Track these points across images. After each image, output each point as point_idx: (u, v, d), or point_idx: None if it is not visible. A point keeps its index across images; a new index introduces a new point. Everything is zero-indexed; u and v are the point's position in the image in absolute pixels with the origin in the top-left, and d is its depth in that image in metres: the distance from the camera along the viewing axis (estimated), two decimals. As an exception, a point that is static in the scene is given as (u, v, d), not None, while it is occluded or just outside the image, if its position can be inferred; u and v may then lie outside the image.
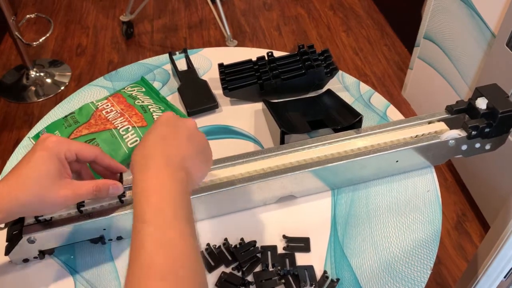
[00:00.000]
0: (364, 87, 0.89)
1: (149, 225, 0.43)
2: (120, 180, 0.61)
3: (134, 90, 0.82)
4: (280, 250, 0.63)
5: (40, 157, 0.53)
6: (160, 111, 0.77)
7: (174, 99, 0.86)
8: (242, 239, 0.64)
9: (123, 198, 0.61)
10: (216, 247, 0.63)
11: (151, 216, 0.44)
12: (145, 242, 0.42)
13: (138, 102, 0.78)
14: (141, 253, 0.41)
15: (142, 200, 0.45)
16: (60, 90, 2.03)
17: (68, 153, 0.55)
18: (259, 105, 0.85)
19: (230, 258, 0.62)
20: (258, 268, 0.61)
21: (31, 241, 0.58)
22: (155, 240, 0.42)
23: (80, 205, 0.59)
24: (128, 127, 0.73)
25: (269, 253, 0.62)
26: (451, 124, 0.70)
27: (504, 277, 0.77)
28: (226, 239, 0.64)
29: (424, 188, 0.70)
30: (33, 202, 0.52)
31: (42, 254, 0.61)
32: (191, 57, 0.93)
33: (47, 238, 0.59)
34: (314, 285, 0.59)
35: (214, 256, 0.62)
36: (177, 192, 0.47)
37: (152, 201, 0.45)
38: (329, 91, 0.85)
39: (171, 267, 0.40)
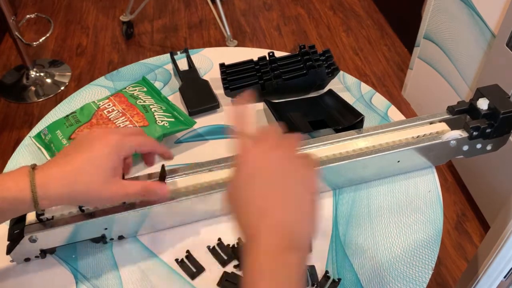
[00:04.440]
0: (365, 88, 0.89)
1: None
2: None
3: (136, 89, 0.82)
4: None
5: (101, 152, 0.52)
6: (162, 111, 0.77)
7: (176, 99, 0.86)
8: (239, 238, 0.64)
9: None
10: (211, 247, 0.63)
11: None
12: None
13: (140, 102, 0.78)
14: None
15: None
16: (60, 90, 2.03)
17: (129, 151, 0.56)
18: (260, 105, 0.85)
19: (225, 257, 0.62)
20: (259, 268, 0.61)
21: (33, 240, 0.58)
22: None
23: None
24: (130, 127, 0.73)
25: (270, 253, 0.62)
26: (453, 125, 0.70)
27: (504, 277, 0.77)
28: (219, 239, 0.64)
29: (425, 188, 0.71)
30: (82, 193, 0.52)
31: (44, 253, 0.61)
32: (192, 57, 0.93)
33: (48, 238, 0.59)
34: (315, 285, 0.59)
35: (217, 254, 0.62)
36: (288, 282, 0.40)
37: None
38: (330, 91, 0.85)
39: None
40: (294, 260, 0.41)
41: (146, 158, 0.63)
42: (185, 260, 0.62)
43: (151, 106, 0.78)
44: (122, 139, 0.55)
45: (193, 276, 0.61)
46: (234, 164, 0.46)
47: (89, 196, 0.52)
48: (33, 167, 0.52)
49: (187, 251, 0.63)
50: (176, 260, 0.62)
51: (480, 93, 0.69)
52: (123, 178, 0.57)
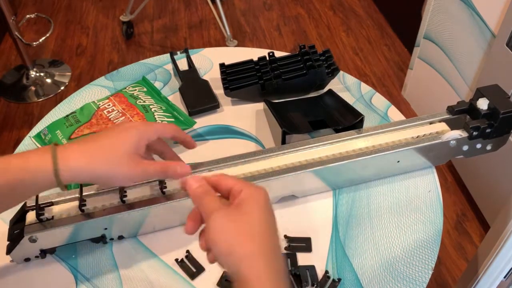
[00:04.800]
0: (365, 88, 0.89)
1: None
2: None
3: (136, 89, 0.82)
4: (281, 250, 0.63)
5: (126, 136, 0.54)
6: (162, 111, 0.77)
7: (175, 99, 0.86)
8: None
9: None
10: None
11: None
12: None
13: (140, 102, 0.78)
14: None
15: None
16: (60, 90, 2.03)
17: (153, 134, 0.57)
18: (260, 105, 0.85)
19: None
20: (259, 268, 0.61)
21: (33, 240, 0.58)
22: None
23: (81, 204, 0.60)
24: (130, 127, 0.73)
25: (270, 253, 0.62)
26: (452, 125, 0.70)
27: (504, 277, 0.77)
28: None
29: (425, 188, 0.71)
30: (103, 174, 0.53)
31: (44, 253, 0.61)
32: (192, 57, 0.93)
33: (48, 238, 0.59)
34: (315, 285, 0.59)
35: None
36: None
37: None
38: (330, 91, 0.85)
39: None
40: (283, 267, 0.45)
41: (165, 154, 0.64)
42: (185, 260, 0.62)
43: (151, 106, 0.78)
44: (147, 123, 0.57)
45: (193, 276, 0.61)
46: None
47: (109, 171, 0.53)
48: (55, 143, 0.53)
49: (187, 251, 0.63)
50: (176, 260, 0.62)
51: (480, 93, 0.69)
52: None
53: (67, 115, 0.78)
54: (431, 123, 0.72)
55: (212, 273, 0.61)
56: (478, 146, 0.70)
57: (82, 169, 0.52)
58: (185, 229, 0.49)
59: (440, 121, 0.72)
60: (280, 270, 0.45)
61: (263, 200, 0.47)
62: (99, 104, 0.79)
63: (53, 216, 0.59)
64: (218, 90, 0.86)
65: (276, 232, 0.47)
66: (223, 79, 0.85)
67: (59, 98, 1.98)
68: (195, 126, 0.80)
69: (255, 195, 0.47)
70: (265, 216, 0.46)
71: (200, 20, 2.38)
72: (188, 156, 0.76)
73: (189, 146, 0.64)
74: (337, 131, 0.73)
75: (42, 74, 2.08)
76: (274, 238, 0.46)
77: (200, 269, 0.61)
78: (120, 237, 0.64)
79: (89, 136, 0.55)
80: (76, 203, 0.60)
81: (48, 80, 2.07)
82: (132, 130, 0.55)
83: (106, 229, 0.61)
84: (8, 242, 0.59)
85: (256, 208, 0.46)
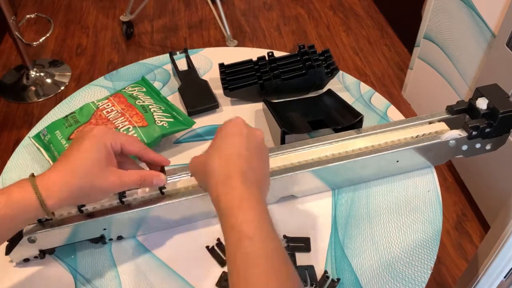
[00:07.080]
0: (365, 87, 0.89)
1: (253, 240, 0.45)
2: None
3: (135, 90, 0.82)
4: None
5: (89, 145, 0.54)
6: (161, 111, 0.77)
7: (175, 99, 0.86)
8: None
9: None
10: (210, 247, 0.63)
11: (253, 231, 0.46)
12: (254, 257, 0.44)
13: (139, 102, 0.78)
14: (252, 268, 0.44)
15: (239, 215, 0.47)
16: (60, 90, 2.03)
17: (114, 142, 0.56)
18: (260, 105, 0.85)
19: (224, 257, 0.62)
20: (258, 268, 0.61)
21: (32, 241, 0.58)
22: (262, 254, 0.45)
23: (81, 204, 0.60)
24: (129, 127, 0.73)
25: (269, 253, 0.62)
26: (452, 124, 0.70)
27: (504, 277, 0.77)
28: (218, 239, 0.64)
29: (425, 188, 0.71)
30: (83, 188, 0.53)
31: (43, 253, 0.61)
32: (192, 57, 0.93)
33: (47, 238, 0.59)
34: (314, 285, 0.59)
35: (216, 254, 0.62)
36: (265, 208, 0.49)
37: (250, 217, 0.46)
38: (329, 91, 0.85)
39: (279, 277, 0.44)
40: (264, 195, 0.51)
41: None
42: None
43: (150, 106, 0.78)
44: (107, 131, 0.57)
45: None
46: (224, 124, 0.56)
47: (90, 189, 0.53)
48: (32, 175, 0.53)
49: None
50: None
51: (479, 92, 0.69)
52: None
53: (67, 116, 0.78)
54: (430, 122, 0.72)
55: (211, 273, 0.61)
56: (478, 145, 0.70)
57: (62, 187, 0.52)
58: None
59: (439, 120, 0.72)
60: (259, 196, 0.49)
61: (234, 126, 0.55)
62: (99, 104, 0.78)
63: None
64: (217, 90, 0.86)
65: (256, 157, 0.53)
66: (222, 79, 0.85)
67: (59, 98, 1.98)
68: (194, 126, 0.80)
69: (227, 123, 0.55)
70: (236, 139, 0.53)
71: (200, 20, 2.38)
72: (188, 157, 0.75)
73: (158, 165, 0.62)
74: (337, 131, 0.73)
75: (42, 74, 2.08)
76: (253, 162, 0.52)
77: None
78: (119, 237, 0.64)
79: (60, 159, 0.54)
80: (75, 203, 0.60)
81: (48, 80, 2.07)
82: (92, 140, 0.54)
83: (105, 229, 0.61)
84: (7, 243, 0.59)
85: (224, 131, 0.54)
